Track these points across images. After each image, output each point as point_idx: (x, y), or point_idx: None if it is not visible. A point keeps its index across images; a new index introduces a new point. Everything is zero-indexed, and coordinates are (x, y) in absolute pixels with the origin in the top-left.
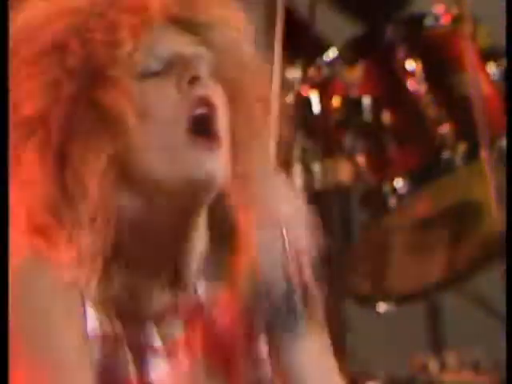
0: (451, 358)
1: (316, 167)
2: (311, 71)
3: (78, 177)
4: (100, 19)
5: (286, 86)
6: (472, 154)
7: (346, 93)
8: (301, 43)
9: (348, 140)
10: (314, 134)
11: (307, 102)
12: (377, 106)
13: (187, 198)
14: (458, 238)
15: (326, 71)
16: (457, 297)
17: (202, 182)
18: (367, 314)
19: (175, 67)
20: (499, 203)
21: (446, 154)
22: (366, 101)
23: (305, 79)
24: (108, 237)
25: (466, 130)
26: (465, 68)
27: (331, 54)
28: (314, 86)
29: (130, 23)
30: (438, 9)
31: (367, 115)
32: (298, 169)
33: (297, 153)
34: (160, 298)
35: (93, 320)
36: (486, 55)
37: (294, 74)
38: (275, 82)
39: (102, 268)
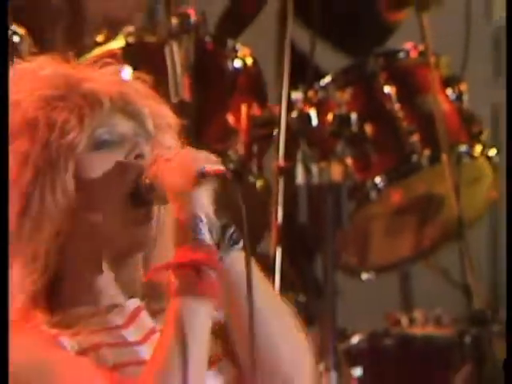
0: (418, 315)
1: (314, 168)
2: (310, 93)
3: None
4: (61, 101)
5: (290, 105)
6: (435, 158)
7: (337, 110)
8: (302, 72)
9: (339, 147)
10: (312, 142)
11: (307, 117)
12: (361, 121)
13: (124, 249)
14: (424, 222)
15: (322, 93)
16: (423, 268)
17: (135, 245)
18: (354, 282)
19: (124, 145)
20: (456, 195)
21: (414, 158)
22: (353, 116)
23: (305, 99)
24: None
25: (430, 138)
26: (429, 91)
27: (326, 80)
28: (312, 104)
29: (81, 111)
30: (408, 45)
31: (354, 128)
32: (300, 169)
33: (299, 157)
34: None
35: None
36: (446, 81)
37: (297, 95)
38: (283, 102)
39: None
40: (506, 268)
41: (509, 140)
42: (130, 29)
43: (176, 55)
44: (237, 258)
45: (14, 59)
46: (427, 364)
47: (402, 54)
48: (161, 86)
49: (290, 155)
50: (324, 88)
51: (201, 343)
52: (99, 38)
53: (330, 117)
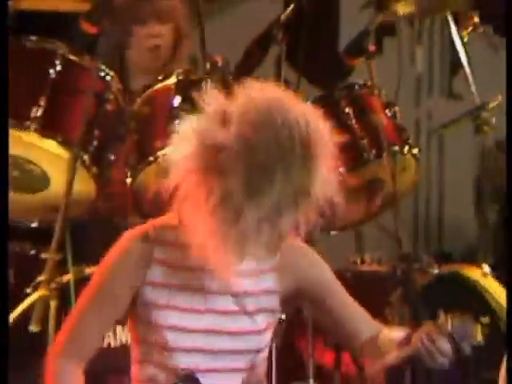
0: (367, 257)
1: None
2: None
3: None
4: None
5: None
6: (378, 155)
7: None
8: None
9: None
10: None
11: None
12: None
13: None
14: (372, 196)
15: None
16: (370, 225)
17: None
18: (325, 236)
19: None
20: (392, 179)
21: (365, 155)
22: None
23: None
24: None
25: (375, 142)
26: (375, 111)
27: None
28: None
29: None
30: (361, 81)
31: None
32: None
33: None
34: None
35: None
36: (385, 105)
37: None
38: None
39: None
40: (506, 270)
41: (509, 140)
42: (180, 70)
43: (210, 88)
44: None
45: None
46: (373, 290)
47: (357, 87)
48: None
49: None
50: None
51: None
52: (160, 77)
53: None
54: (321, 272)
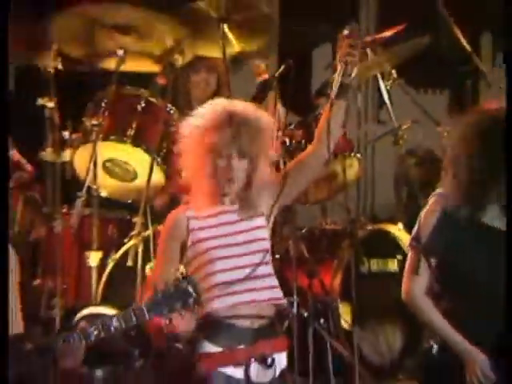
0: (328, 220)
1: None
2: (287, 131)
3: None
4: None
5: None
6: (335, 157)
7: (297, 138)
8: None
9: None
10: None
11: (284, 142)
12: (306, 142)
13: None
14: (330, 184)
15: (289, 131)
16: (331, 202)
17: None
18: (302, 207)
19: None
20: (343, 173)
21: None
22: (303, 141)
23: (284, 134)
24: None
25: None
26: None
27: (292, 126)
28: (288, 135)
29: None
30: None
31: (303, 144)
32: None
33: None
34: None
35: None
36: None
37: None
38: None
39: None
40: (506, 269)
41: (509, 140)
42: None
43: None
44: None
45: None
46: (332, 241)
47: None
48: None
49: (278, 156)
50: (291, 129)
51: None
52: None
53: (295, 140)
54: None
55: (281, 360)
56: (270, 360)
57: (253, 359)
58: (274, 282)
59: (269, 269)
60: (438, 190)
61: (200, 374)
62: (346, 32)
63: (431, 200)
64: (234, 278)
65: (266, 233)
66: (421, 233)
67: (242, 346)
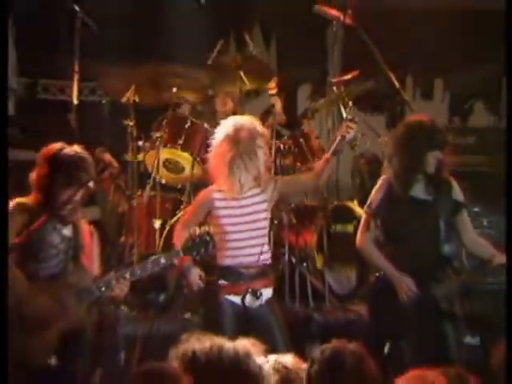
0: (308, 200)
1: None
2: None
3: None
4: None
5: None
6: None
7: (285, 145)
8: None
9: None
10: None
11: (279, 147)
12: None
13: None
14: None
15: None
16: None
17: None
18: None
19: None
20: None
21: (309, 157)
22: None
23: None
24: None
25: (312, 152)
26: (311, 139)
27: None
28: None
29: None
30: (307, 127)
31: (293, 149)
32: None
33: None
34: None
35: None
36: (316, 137)
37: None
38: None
39: None
40: (506, 270)
41: (509, 141)
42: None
43: None
44: None
45: None
46: (312, 213)
47: (305, 130)
48: None
49: (271, 161)
50: (285, 139)
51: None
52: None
53: (287, 146)
54: (282, 180)
55: (268, 293)
56: (258, 293)
57: (248, 292)
58: (266, 248)
59: (263, 240)
60: (383, 176)
61: (215, 299)
62: (349, 116)
63: (379, 182)
64: (240, 244)
65: (266, 214)
66: (372, 203)
67: (241, 283)
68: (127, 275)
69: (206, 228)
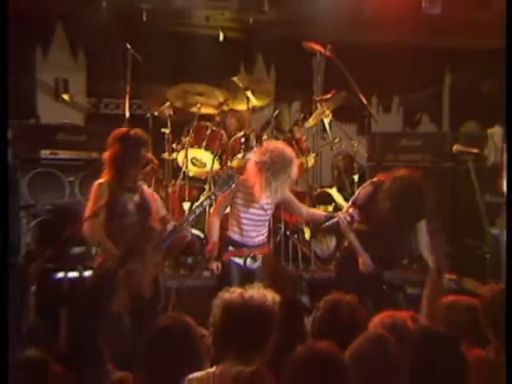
0: (298, 188)
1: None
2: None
3: None
4: None
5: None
6: (303, 155)
7: None
8: None
9: None
10: None
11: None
12: None
13: None
14: (301, 168)
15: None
16: (301, 178)
17: None
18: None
19: None
20: (306, 163)
21: (300, 155)
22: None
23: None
24: None
25: (302, 151)
26: (302, 141)
27: None
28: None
29: None
30: (299, 133)
31: None
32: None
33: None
34: None
35: None
36: (305, 140)
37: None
38: None
39: None
40: (506, 271)
41: (509, 142)
42: (245, 131)
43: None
44: None
45: None
46: (300, 197)
47: (297, 136)
48: None
49: None
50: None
51: None
52: (239, 133)
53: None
54: (287, 194)
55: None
56: (256, 258)
57: (248, 256)
58: (265, 232)
59: (264, 228)
60: (369, 181)
61: (224, 261)
62: (351, 210)
63: (367, 184)
64: (246, 228)
65: (271, 212)
66: (358, 199)
67: (244, 250)
68: (189, 217)
69: (229, 164)
